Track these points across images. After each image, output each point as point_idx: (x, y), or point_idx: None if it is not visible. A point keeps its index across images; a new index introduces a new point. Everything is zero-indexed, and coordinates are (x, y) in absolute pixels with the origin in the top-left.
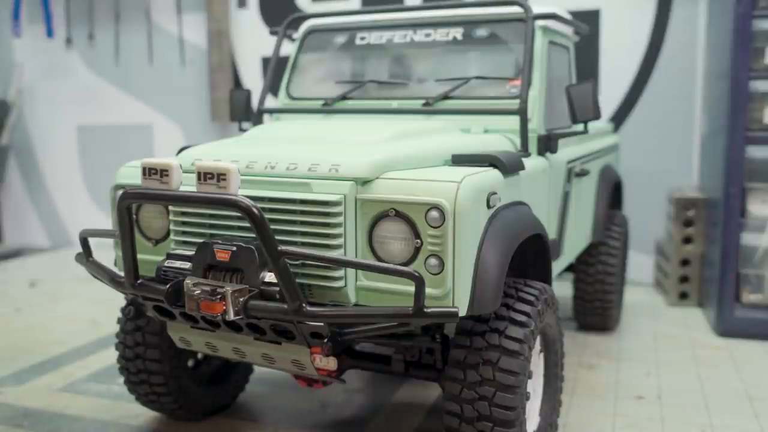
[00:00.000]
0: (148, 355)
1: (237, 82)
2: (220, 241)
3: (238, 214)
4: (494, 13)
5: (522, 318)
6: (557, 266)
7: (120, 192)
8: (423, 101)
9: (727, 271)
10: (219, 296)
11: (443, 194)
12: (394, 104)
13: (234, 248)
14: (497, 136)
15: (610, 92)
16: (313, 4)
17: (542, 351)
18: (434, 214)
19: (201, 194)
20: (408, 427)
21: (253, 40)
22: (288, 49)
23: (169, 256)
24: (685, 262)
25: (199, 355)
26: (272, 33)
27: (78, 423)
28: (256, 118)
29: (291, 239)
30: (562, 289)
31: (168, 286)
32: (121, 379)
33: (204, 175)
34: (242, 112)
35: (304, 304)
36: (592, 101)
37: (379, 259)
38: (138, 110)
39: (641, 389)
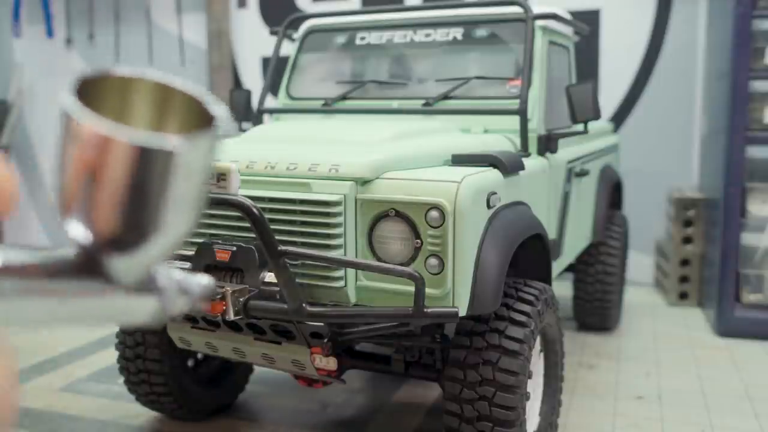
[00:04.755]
0: (148, 355)
1: (237, 82)
2: (220, 241)
3: (238, 214)
4: (494, 13)
5: (522, 318)
6: (557, 266)
7: None
8: (423, 101)
9: (727, 271)
10: (219, 296)
11: (443, 194)
12: (394, 104)
13: (234, 248)
14: (497, 136)
15: (610, 92)
16: (313, 4)
17: (542, 351)
18: (434, 214)
19: None
20: (408, 427)
21: (253, 41)
22: (288, 49)
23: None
24: (685, 262)
25: (199, 355)
26: (272, 33)
27: (78, 423)
28: (256, 118)
29: (291, 239)
30: (562, 289)
31: None
32: (121, 379)
33: None
34: (242, 112)
35: (304, 304)
36: (592, 101)
37: (379, 259)
38: None
39: (641, 389)
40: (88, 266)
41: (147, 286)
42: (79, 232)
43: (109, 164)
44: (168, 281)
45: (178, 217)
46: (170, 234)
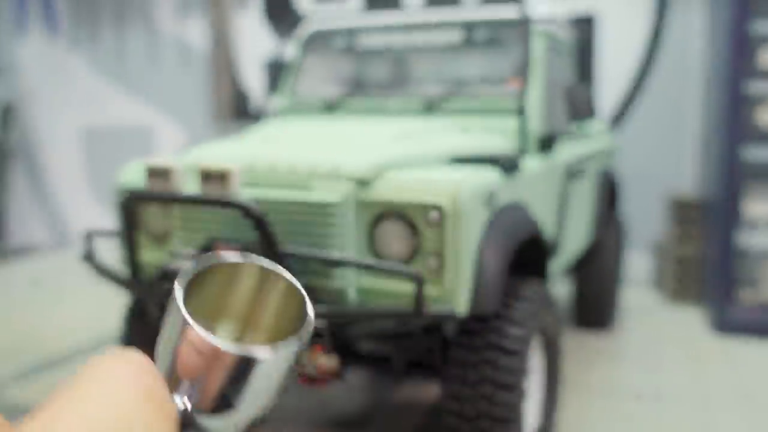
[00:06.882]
0: (151, 354)
1: (238, 83)
2: (222, 241)
3: (240, 215)
4: (494, 17)
5: (521, 317)
6: (557, 266)
7: (124, 192)
8: (424, 102)
9: (726, 271)
10: None
11: (443, 194)
12: (395, 105)
13: (235, 248)
14: (497, 136)
15: (609, 93)
16: (314, 6)
17: (541, 350)
18: (434, 214)
19: (203, 195)
20: (408, 426)
21: (254, 42)
22: (291, 50)
23: (173, 256)
24: (684, 262)
25: None
26: (276, 36)
27: None
28: (258, 118)
29: (292, 239)
30: (562, 289)
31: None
32: None
33: (206, 176)
34: (243, 112)
35: None
36: (589, 101)
37: (379, 259)
38: (140, 111)
39: (640, 388)
40: (188, 423)
41: None
42: (184, 401)
43: (213, 365)
44: None
45: (259, 400)
46: (251, 410)
